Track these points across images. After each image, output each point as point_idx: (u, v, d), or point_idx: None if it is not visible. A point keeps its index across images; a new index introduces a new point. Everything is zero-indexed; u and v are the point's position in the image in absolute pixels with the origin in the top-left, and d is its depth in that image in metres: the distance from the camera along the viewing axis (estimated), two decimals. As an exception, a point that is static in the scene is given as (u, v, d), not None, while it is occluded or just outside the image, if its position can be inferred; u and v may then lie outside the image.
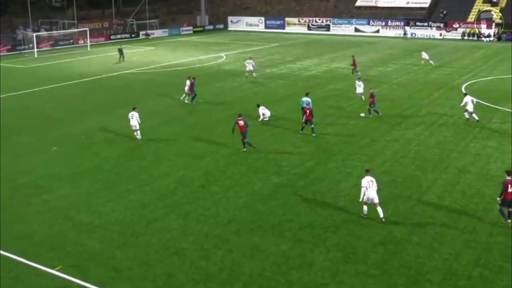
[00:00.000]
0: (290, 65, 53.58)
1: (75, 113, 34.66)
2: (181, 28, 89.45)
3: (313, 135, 28.15)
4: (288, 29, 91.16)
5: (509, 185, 17.46)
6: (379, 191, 18.61)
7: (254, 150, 26.00)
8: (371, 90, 32.68)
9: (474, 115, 30.62)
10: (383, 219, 18.29)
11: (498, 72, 48.64)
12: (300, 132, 28.47)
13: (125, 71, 51.07)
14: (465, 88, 40.70)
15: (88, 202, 20.40)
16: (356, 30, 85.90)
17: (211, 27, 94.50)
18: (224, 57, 59.72)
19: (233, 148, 26.49)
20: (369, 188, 18.35)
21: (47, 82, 45.32)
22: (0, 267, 15.76)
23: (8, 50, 66.31)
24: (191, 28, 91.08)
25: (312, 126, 28.28)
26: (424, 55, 53.52)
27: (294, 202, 20.11)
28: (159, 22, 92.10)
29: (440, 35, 78.99)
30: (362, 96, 35.66)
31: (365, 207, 18.66)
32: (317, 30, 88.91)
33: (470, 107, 30.59)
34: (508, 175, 17.66)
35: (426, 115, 32.56)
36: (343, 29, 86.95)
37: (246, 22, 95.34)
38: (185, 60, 58.02)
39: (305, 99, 30.35)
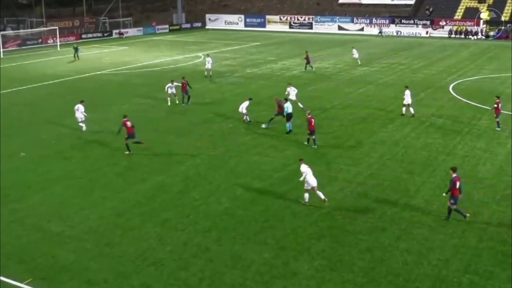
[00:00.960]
0: (271, 65, 53.77)
1: (45, 116, 34.33)
2: (157, 27, 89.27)
3: (314, 146, 27.01)
4: (269, 27, 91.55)
5: (457, 182, 18.57)
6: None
7: (235, 154, 26.07)
8: (277, 100, 31.36)
9: (411, 108, 32.57)
10: (326, 200, 20.02)
11: (486, 71, 49.41)
12: (306, 144, 27.25)
13: (98, 72, 50.74)
14: (452, 88, 41.28)
15: (60, 211, 20.21)
16: (340, 28, 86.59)
17: (188, 25, 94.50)
18: (202, 57, 59.63)
19: (213, 152, 26.51)
20: (309, 174, 20.02)
21: (14, 84, 44.81)
22: (-35, 281, 15.58)
23: (-29, 51, 65.54)
24: (167, 26, 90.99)
25: (314, 137, 27.06)
26: (354, 53, 54.22)
27: (277, 208, 20.17)
28: (133, 20, 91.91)
29: (427, 33, 79.97)
30: (300, 104, 34.36)
31: (306, 195, 20.19)
32: (299, 29, 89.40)
33: (408, 100, 32.59)
34: (454, 171, 18.80)
35: (413, 116, 32.89)
36: (326, 27, 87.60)
37: (225, 20, 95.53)
38: (161, 60, 57.88)
39: (288, 104, 29.46)
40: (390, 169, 24.18)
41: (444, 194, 19.27)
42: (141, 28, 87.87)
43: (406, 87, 33.29)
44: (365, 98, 38.10)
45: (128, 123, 26.39)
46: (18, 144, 28.50)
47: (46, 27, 75.86)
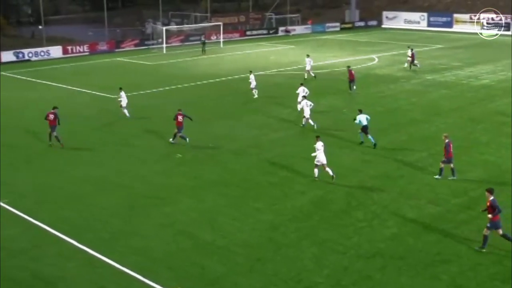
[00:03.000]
0: (456, 72, 51.85)
1: (201, 117, 36.17)
2: (326, 25, 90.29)
3: (453, 178, 24.65)
4: (456, 27, 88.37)
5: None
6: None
7: (407, 172, 25.56)
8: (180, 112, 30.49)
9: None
10: (334, 177, 23.97)
11: None
12: (437, 177, 24.70)
13: (259, 72, 52.49)
14: None
15: (211, 219, 21.23)
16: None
17: (362, 23, 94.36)
18: (376, 59, 59.24)
19: (382, 168, 26.17)
20: (320, 152, 24.13)
21: (173, 81, 47.96)
22: (115, 282, 16.96)
23: (136, 45, 71.34)
24: (338, 24, 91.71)
25: (452, 165, 24.69)
26: (409, 54, 52.64)
27: (453, 239, 19.38)
28: (302, 17, 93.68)
29: None
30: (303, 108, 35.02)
31: (316, 170, 24.37)
32: (494, 30, 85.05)
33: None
34: (492, 193, 18.31)
35: None
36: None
37: (405, 19, 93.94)
38: (329, 61, 58.33)
39: (362, 116, 29.00)
40: None
41: (488, 225, 18.20)
42: (309, 26, 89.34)
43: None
44: None
45: (51, 116, 29.69)
46: (173, 145, 30.33)
47: (210, 22, 79.85)
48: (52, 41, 68.91)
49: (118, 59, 63.42)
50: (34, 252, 18.85)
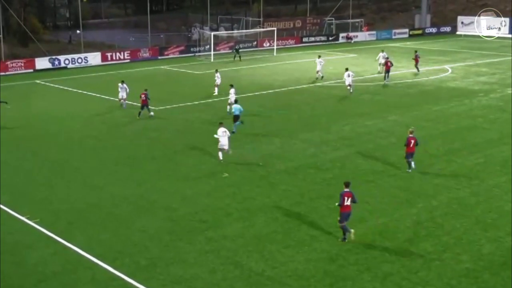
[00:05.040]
0: (542, 85, 50.86)
1: (250, 133, 36.30)
2: (393, 31, 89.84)
3: (408, 170, 28.73)
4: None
5: (346, 198, 20.93)
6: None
7: (484, 199, 25.06)
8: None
9: None
10: (230, 152, 29.66)
11: None
12: (408, 170, 28.26)
13: (316, 84, 52.60)
14: None
15: (261, 246, 21.18)
16: None
17: (433, 29, 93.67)
18: (449, 70, 58.55)
19: (455, 194, 25.76)
20: (222, 137, 29.35)
21: (221, 93, 48.22)
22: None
23: (181, 52, 72.42)
24: (406, 30, 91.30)
25: (410, 160, 28.67)
26: (380, 58, 56.77)
27: (539, 277, 18.88)
28: (365, 22, 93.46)
29: None
30: (349, 88, 46.56)
31: (220, 153, 29.82)
32: None
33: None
34: (347, 186, 21.15)
35: None
36: None
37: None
38: (395, 72, 57.84)
39: (236, 106, 35.46)
40: None
41: (339, 219, 21.03)
42: (374, 32, 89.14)
43: None
44: None
45: None
46: (219, 163, 30.44)
47: (262, 27, 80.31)
48: (90, 47, 70.65)
49: (161, 67, 64.45)
50: (67, 277, 19.15)
